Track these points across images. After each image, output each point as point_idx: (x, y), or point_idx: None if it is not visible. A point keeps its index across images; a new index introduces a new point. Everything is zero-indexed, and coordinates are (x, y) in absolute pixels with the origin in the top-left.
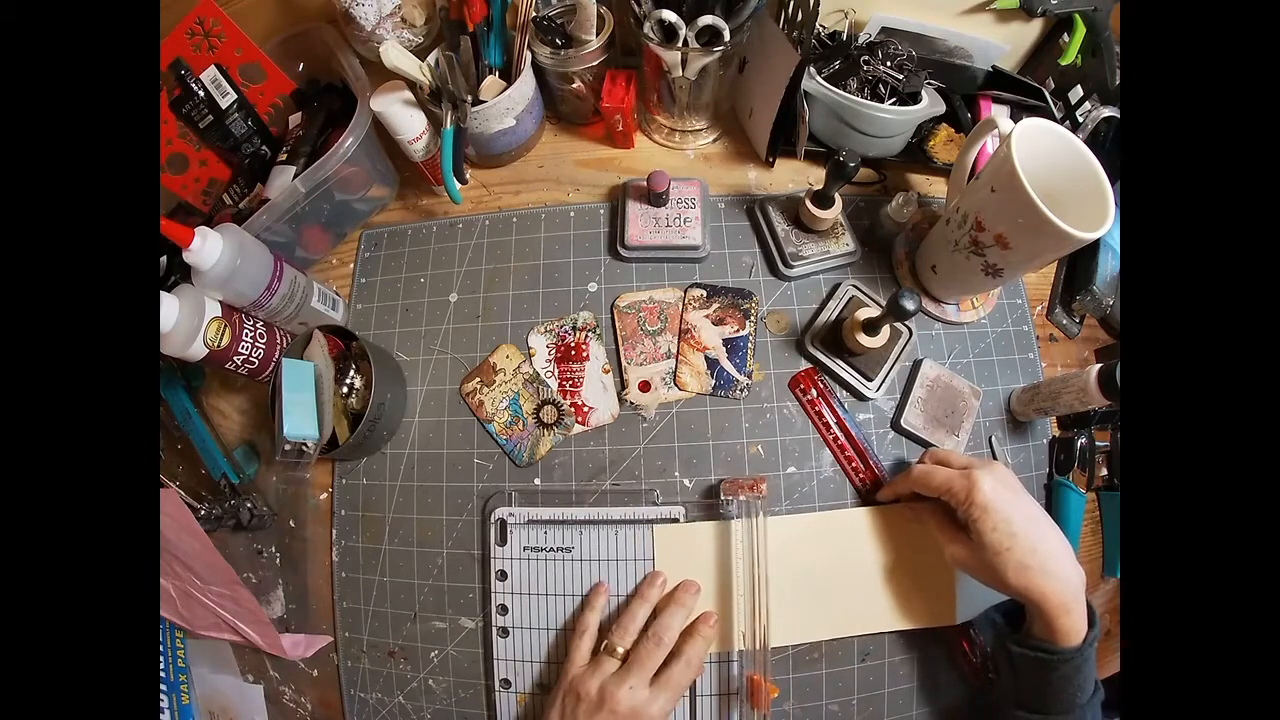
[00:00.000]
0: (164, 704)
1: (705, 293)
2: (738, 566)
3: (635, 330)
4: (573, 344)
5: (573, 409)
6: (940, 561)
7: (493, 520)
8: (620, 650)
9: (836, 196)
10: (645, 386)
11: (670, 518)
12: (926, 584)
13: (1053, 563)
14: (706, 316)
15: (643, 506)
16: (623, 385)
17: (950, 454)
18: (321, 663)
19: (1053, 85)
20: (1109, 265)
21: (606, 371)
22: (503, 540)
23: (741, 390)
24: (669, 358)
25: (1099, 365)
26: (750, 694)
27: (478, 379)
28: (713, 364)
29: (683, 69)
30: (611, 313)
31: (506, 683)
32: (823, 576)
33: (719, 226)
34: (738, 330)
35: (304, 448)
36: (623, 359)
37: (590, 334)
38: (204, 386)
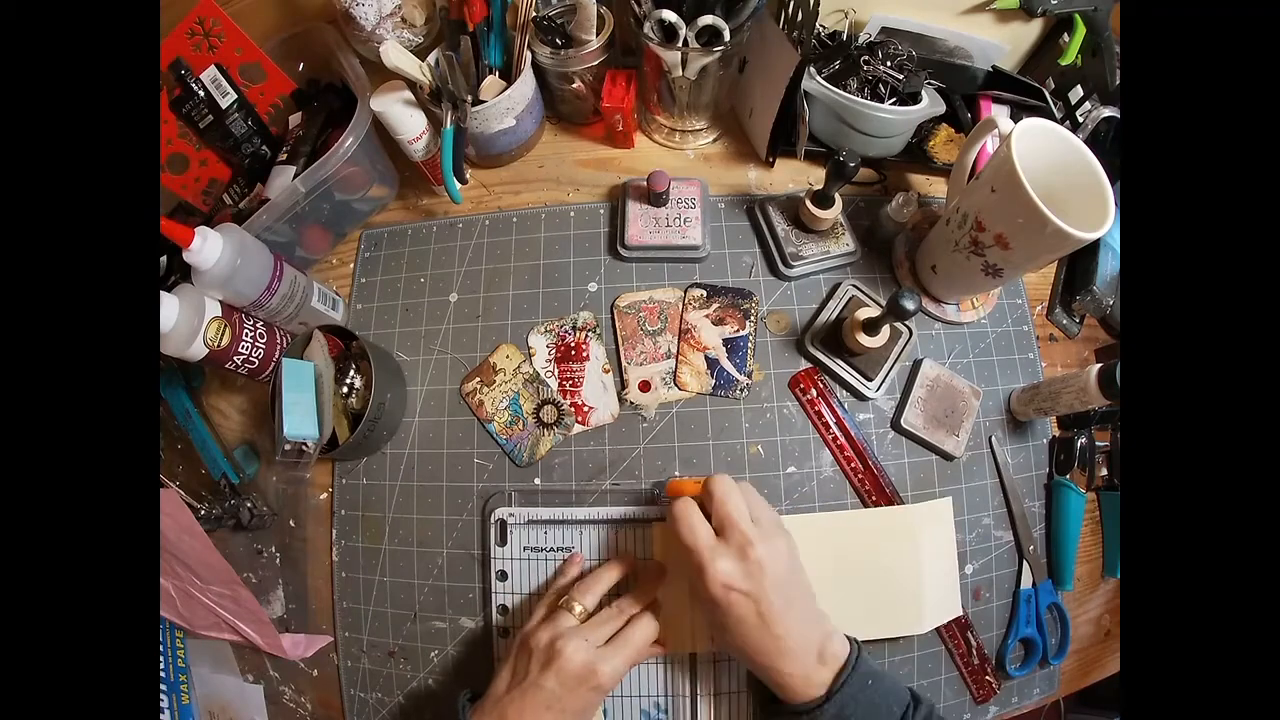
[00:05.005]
0: (164, 704)
1: (705, 293)
2: None
3: (635, 330)
4: (573, 344)
5: (573, 409)
6: (910, 570)
7: (493, 520)
8: (578, 609)
9: (836, 196)
10: (645, 386)
11: None
12: (892, 592)
13: (790, 640)
14: (706, 316)
15: (643, 506)
16: (623, 385)
17: (723, 498)
18: (321, 663)
19: (1053, 85)
20: (1109, 265)
21: (606, 371)
22: (503, 540)
23: (741, 390)
24: (669, 358)
25: (1099, 365)
26: None
27: (478, 379)
28: (713, 364)
29: (683, 69)
30: (611, 313)
31: None
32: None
33: (719, 226)
34: (738, 330)
35: (304, 448)
36: (623, 359)
37: (590, 334)
38: (204, 386)
